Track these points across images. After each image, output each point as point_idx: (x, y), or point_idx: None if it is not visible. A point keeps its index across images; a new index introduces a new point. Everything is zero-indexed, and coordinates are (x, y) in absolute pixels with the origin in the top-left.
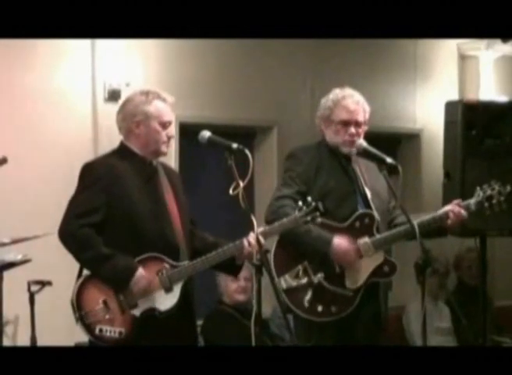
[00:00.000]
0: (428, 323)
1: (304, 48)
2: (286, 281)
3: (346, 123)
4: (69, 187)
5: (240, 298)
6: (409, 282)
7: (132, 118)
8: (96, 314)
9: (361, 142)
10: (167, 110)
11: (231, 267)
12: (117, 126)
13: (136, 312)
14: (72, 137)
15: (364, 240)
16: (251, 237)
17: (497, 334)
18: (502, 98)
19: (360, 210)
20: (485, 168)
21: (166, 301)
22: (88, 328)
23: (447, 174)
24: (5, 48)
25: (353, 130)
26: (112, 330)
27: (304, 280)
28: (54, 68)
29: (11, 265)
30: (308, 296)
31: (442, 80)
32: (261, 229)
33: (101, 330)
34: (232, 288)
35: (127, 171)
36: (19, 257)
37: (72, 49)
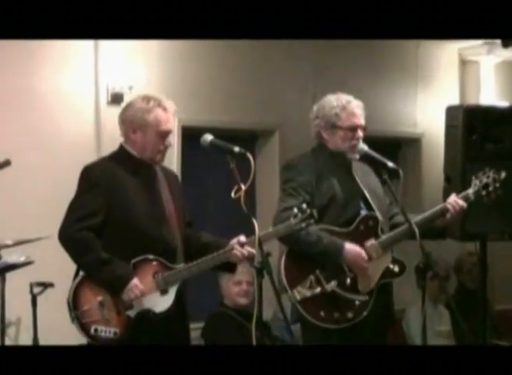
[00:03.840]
0: (428, 327)
1: (305, 52)
2: (299, 293)
3: (354, 128)
4: (71, 189)
5: (242, 301)
6: (409, 285)
7: (130, 123)
8: (92, 314)
9: (362, 146)
10: (166, 119)
11: (227, 265)
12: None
13: (132, 313)
14: (75, 139)
15: (371, 242)
16: (239, 240)
17: (497, 338)
18: (502, 103)
19: (363, 213)
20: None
21: (161, 303)
22: (83, 327)
23: (448, 178)
24: (9, 51)
25: (360, 133)
26: (107, 330)
27: (318, 290)
28: (58, 71)
29: (13, 266)
30: (323, 305)
31: (443, 84)
32: (262, 233)
33: (96, 330)
34: (235, 291)
35: (126, 174)
36: (22, 259)
37: (75, 53)
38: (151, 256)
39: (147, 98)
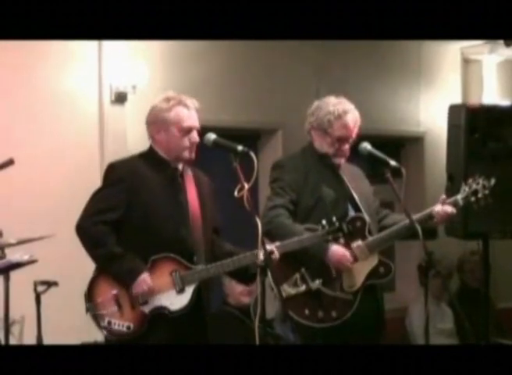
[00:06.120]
0: (430, 325)
1: (308, 53)
2: (284, 290)
3: (342, 140)
4: (74, 188)
5: (246, 300)
6: (412, 284)
7: (153, 125)
8: (106, 306)
9: (365, 145)
10: (189, 116)
11: (245, 276)
12: None
13: (146, 308)
14: (78, 138)
15: (358, 243)
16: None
17: (499, 336)
18: (505, 102)
19: (351, 214)
20: (487, 171)
21: (177, 301)
22: (96, 319)
23: (450, 177)
24: (13, 50)
25: (347, 146)
26: (120, 324)
27: (303, 288)
28: (62, 71)
29: (17, 265)
30: (308, 303)
31: (446, 83)
32: (277, 243)
33: (109, 323)
34: (238, 290)
35: (150, 173)
36: (26, 257)
37: (79, 52)
38: (171, 255)
39: (167, 98)
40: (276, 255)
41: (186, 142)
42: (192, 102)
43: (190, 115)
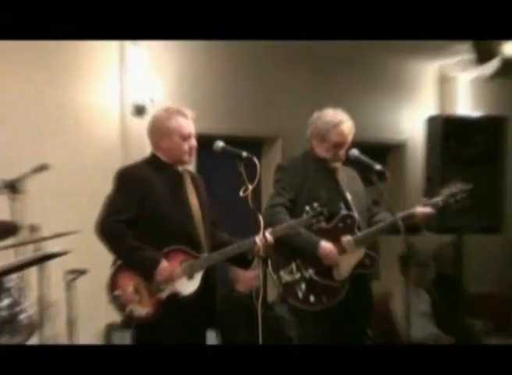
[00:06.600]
0: (410, 307)
1: (306, 70)
2: (282, 277)
3: (338, 145)
4: (101, 188)
5: (254, 284)
6: (395, 272)
7: (157, 132)
8: (127, 296)
9: (354, 151)
10: (187, 124)
11: (243, 261)
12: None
13: (162, 295)
14: (104, 146)
15: (347, 238)
16: (262, 235)
17: (469, 317)
18: (476, 113)
19: (343, 212)
20: (462, 174)
21: (188, 287)
22: (120, 307)
23: (428, 179)
24: (44, 68)
25: (342, 151)
26: (140, 310)
27: (298, 276)
28: (89, 87)
29: (52, 256)
30: (302, 289)
31: (425, 97)
32: (270, 229)
33: (131, 310)
34: (250, 275)
35: (156, 177)
36: (59, 249)
37: (103, 70)
38: (179, 246)
39: (166, 109)
40: (271, 239)
41: (185, 147)
42: (188, 112)
43: (188, 123)
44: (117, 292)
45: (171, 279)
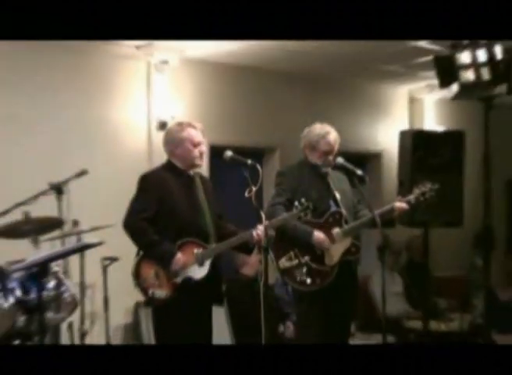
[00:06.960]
0: (386, 288)
1: (301, 91)
2: (282, 263)
3: (327, 153)
4: (131, 191)
5: (258, 267)
6: (373, 259)
7: (171, 142)
8: (149, 281)
9: (339, 159)
10: (197, 134)
11: (246, 249)
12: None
13: (178, 279)
14: (133, 156)
15: (336, 230)
16: (258, 228)
17: (435, 296)
18: (440, 128)
19: (333, 209)
20: (429, 179)
21: (199, 272)
22: (143, 290)
23: (401, 183)
24: (86, 92)
25: (331, 158)
26: (159, 293)
27: (296, 262)
28: (121, 106)
29: (90, 246)
30: (299, 273)
31: (397, 115)
32: (267, 222)
33: (152, 293)
34: (254, 259)
35: (172, 180)
36: (96, 240)
37: (133, 90)
38: (191, 239)
39: (179, 123)
40: (271, 231)
41: (196, 153)
42: (198, 124)
43: (197, 133)
44: (141, 279)
45: (184, 267)
